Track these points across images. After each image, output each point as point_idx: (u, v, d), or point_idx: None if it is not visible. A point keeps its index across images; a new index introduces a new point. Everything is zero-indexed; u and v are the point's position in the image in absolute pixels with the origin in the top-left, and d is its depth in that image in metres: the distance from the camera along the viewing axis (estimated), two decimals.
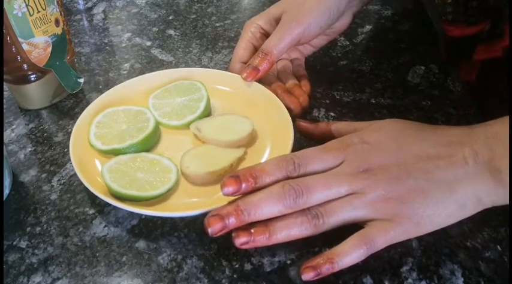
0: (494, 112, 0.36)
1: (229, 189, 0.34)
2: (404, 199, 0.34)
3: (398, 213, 0.34)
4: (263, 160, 0.43)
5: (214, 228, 0.33)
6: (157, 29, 0.68)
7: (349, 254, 0.33)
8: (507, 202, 0.33)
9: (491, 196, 0.34)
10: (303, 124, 0.45)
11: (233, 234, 0.34)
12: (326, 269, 0.33)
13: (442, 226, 0.35)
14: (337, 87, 0.54)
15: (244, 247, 0.34)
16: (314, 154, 0.37)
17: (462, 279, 0.34)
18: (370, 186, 0.34)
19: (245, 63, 0.50)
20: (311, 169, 0.36)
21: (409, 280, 0.34)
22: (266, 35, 0.51)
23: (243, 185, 0.34)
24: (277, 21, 0.50)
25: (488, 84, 0.47)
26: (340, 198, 0.35)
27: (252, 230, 0.34)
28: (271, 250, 0.36)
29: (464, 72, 0.51)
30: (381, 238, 0.34)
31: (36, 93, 0.51)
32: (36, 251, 0.37)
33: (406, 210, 0.34)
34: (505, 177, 0.33)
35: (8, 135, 0.49)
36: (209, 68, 0.58)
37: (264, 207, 0.34)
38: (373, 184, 0.34)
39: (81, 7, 0.75)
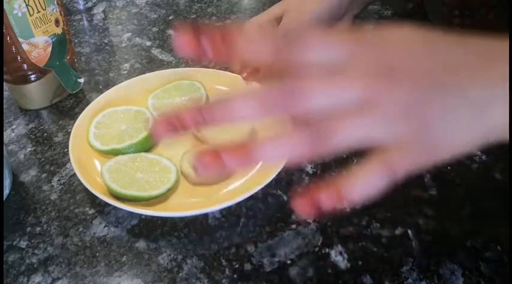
0: None
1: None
2: (431, 115, 0.25)
3: (421, 133, 0.25)
4: None
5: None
6: (157, 29, 0.68)
7: (364, 185, 0.26)
8: None
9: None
10: None
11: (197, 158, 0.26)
12: (330, 205, 0.25)
13: (462, 152, 0.26)
14: None
15: (211, 170, 0.25)
16: (313, 39, 0.26)
17: (462, 279, 0.34)
18: (390, 93, 0.25)
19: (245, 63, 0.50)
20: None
21: (409, 280, 0.34)
22: None
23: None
24: (278, 21, 0.50)
25: None
26: (347, 109, 0.25)
27: (222, 152, 0.26)
28: (271, 250, 0.36)
29: None
30: (402, 165, 0.25)
31: (36, 93, 0.51)
32: (36, 251, 0.37)
33: (431, 130, 0.25)
34: None
35: (8, 135, 0.49)
36: (209, 68, 0.58)
37: (236, 106, 0.25)
38: (395, 90, 0.25)
39: (81, 7, 0.75)
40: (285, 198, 0.41)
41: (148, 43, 0.65)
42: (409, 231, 0.37)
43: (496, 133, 0.26)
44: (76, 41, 0.66)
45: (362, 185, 0.26)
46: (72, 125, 0.45)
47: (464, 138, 0.26)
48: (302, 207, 0.25)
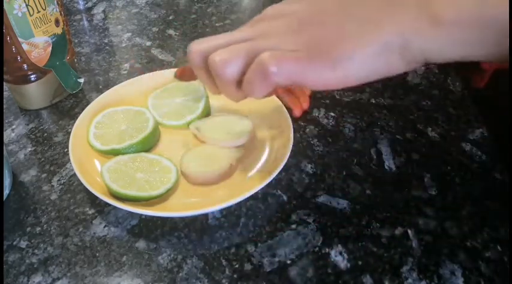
0: (496, 115, 0.35)
1: None
2: (317, 35, 0.29)
3: (308, 44, 0.29)
4: (263, 160, 0.43)
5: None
6: (157, 29, 0.68)
7: (254, 88, 0.30)
8: (436, 50, 0.27)
9: (419, 35, 0.26)
10: None
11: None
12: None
13: (367, 77, 0.29)
14: None
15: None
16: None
17: (462, 279, 0.34)
18: (273, 27, 0.31)
19: None
20: None
21: (409, 280, 0.34)
22: None
23: None
24: None
25: (496, 91, 0.47)
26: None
27: None
28: (271, 250, 0.36)
29: (476, 78, 0.50)
30: (287, 63, 0.29)
31: (36, 93, 0.51)
32: (36, 251, 0.37)
33: (319, 42, 0.28)
34: (440, 14, 0.26)
35: (8, 135, 0.49)
36: None
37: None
38: (278, 24, 0.31)
39: (81, 7, 0.75)
40: (285, 198, 0.41)
41: (148, 43, 0.65)
42: (409, 231, 0.37)
43: (397, 48, 0.27)
44: (76, 41, 0.66)
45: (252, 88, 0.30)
46: (72, 125, 0.45)
47: (360, 55, 0.27)
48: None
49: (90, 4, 0.76)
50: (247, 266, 0.35)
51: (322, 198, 0.40)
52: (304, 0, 0.32)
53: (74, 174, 0.43)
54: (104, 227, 0.39)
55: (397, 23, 0.27)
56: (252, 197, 0.39)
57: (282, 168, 0.39)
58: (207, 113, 0.48)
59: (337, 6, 0.30)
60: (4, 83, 0.52)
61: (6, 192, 0.41)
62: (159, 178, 0.40)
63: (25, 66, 0.49)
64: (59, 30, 0.50)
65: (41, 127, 0.50)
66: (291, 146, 0.41)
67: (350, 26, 0.28)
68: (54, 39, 0.50)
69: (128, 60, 0.61)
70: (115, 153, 0.43)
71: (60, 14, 0.50)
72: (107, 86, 0.55)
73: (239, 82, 0.31)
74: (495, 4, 0.25)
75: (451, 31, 0.26)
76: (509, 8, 0.24)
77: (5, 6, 0.44)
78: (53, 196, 0.42)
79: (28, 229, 0.39)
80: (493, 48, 0.26)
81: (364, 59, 0.27)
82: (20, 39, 0.47)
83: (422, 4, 0.26)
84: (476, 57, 0.27)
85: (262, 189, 0.38)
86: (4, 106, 0.53)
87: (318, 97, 0.52)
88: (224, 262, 0.36)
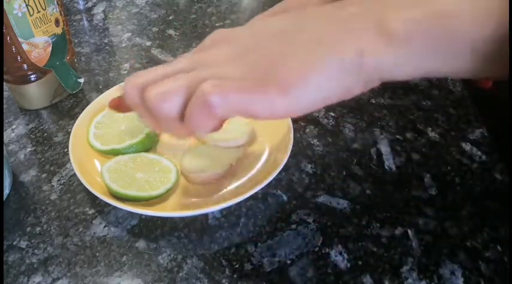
0: (496, 116, 0.35)
1: None
2: (263, 60, 0.26)
3: (253, 73, 0.26)
4: (262, 160, 0.43)
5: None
6: (157, 29, 0.68)
7: (195, 124, 0.27)
8: (394, 68, 0.25)
9: (374, 52, 0.25)
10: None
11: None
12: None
13: (323, 102, 0.26)
14: None
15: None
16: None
17: (462, 279, 0.34)
18: (213, 54, 0.28)
19: None
20: None
21: (409, 280, 0.34)
22: None
23: None
24: None
25: (496, 91, 0.46)
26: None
27: None
28: (271, 250, 0.36)
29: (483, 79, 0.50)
30: (234, 90, 0.26)
31: (36, 93, 0.51)
32: (36, 251, 0.37)
33: (266, 70, 0.26)
34: (395, 30, 0.24)
35: (8, 135, 0.49)
36: None
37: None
38: (219, 52, 0.28)
39: (81, 7, 0.75)
40: (285, 198, 0.41)
41: (148, 43, 0.65)
42: (409, 231, 0.37)
43: (353, 65, 0.25)
44: (76, 41, 0.66)
45: (193, 123, 0.27)
46: (72, 125, 0.45)
47: (314, 77, 0.25)
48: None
49: (90, 4, 0.76)
50: (247, 266, 0.35)
51: (322, 198, 0.40)
52: (249, 25, 0.30)
53: (74, 174, 0.43)
54: (104, 227, 0.39)
55: (352, 41, 0.25)
56: (252, 197, 0.39)
57: (282, 168, 0.39)
58: None
59: (284, 28, 0.28)
60: (4, 83, 0.52)
61: (6, 192, 0.41)
62: (159, 178, 0.40)
63: (25, 66, 0.49)
64: (59, 30, 0.50)
65: (41, 127, 0.50)
66: (291, 146, 0.41)
67: (300, 48, 0.26)
68: (54, 39, 0.50)
69: (128, 60, 0.61)
70: (115, 153, 0.43)
71: (60, 14, 0.50)
72: (107, 86, 0.55)
73: (182, 118, 0.28)
74: (456, 19, 0.23)
75: (403, 45, 0.24)
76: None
77: (5, 6, 0.44)
78: (53, 196, 0.42)
79: (28, 229, 0.39)
80: (460, 63, 0.24)
81: (319, 81, 0.25)
82: (20, 39, 0.47)
83: (377, 20, 0.25)
84: (442, 73, 0.26)
85: (262, 189, 0.38)
86: (4, 106, 0.53)
87: None
88: (224, 262, 0.36)
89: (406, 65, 0.25)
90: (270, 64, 0.26)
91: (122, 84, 0.50)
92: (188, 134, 0.29)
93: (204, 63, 0.28)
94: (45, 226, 0.39)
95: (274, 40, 0.27)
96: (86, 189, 0.38)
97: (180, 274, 0.35)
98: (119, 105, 0.34)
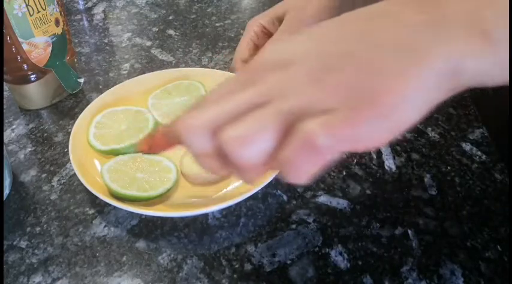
0: (495, 114, 0.35)
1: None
2: (348, 81, 0.22)
3: (348, 98, 0.22)
4: None
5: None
6: (157, 29, 0.68)
7: (292, 171, 0.23)
8: (493, 73, 0.23)
9: (471, 57, 0.22)
10: None
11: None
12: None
13: (420, 113, 0.22)
14: None
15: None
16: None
17: (462, 279, 0.34)
18: (283, 80, 0.24)
19: (247, 62, 0.50)
20: None
21: (409, 280, 0.34)
22: (268, 34, 0.51)
23: None
24: (280, 21, 0.50)
25: (496, 91, 0.46)
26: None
27: None
28: (271, 250, 0.36)
29: None
30: (342, 127, 0.22)
31: (36, 93, 0.51)
32: (36, 251, 0.37)
33: (359, 94, 0.22)
34: (494, 31, 0.21)
35: (8, 135, 0.49)
36: (209, 68, 0.58)
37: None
38: (288, 75, 0.23)
39: (81, 7, 0.75)
40: (285, 198, 0.41)
41: (149, 43, 0.65)
42: (409, 231, 0.37)
43: (449, 76, 0.22)
44: (76, 41, 0.66)
45: (291, 171, 0.23)
46: (72, 125, 0.45)
47: (411, 92, 0.22)
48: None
49: (90, 4, 0.76)
50: (247, 266, 0.35)
51: (322, 198, 0.40)
52: (307, 36, 0.25)
53: (74, 174, 0.43)
54: (104, 227, 0.39)
55: (444, 45, 0.22)
56: (252, 197, 0.39)
57: None
58: None
59: (354, 36, 0.24)
60: (4, 83, 0.52)
61: (6, 192, 0.41)
62: (159, 178, 0.40)
63: (25, 66, 0.49)
64: (59, 30, 0.50)
65: (41, 127, 0.50)
66: None
67: (385, 61, 0.22)
68: (54, 39, 0.50)
69: (128, 60, 0.61)
70: (115, 153, 0.43)
71: (60, 14, 0.50)
72: (107, 86, 0.55)
73: (268, 162, 0.23)
74: None
75: (505, 49, 0.21)
76: None
77: (5, 6, 0.44)
78: (53, 196, 0.42)
79: (28, 229, 0.39)
80: None
81: (418, 96, 0.22)
82: (20, 39, 0.47)
83: (471, 21, 0.22)
84: None
85: (262, 189, 0.38)
86: (4, 106, 0.53)
87: None
88: (224, 262, 0.36)
89: (506, 71, 0.22)
90: (359, 86, 0.22)
91: (122, 84, 0.51)
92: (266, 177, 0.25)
93: (279, 91, 0.23)
94: (45, 226, 0.39)
95: (347, 54, 0.23)
96: (86, 189, 0.38)
97: (180, 274, 0.35)
98: (153, 147, 0.29)
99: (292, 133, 0.22)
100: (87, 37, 0.67)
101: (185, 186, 0.41)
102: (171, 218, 0.39)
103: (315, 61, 0.23)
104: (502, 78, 0.22)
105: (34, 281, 0.35)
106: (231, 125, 0.23)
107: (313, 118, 0.22)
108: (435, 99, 0.22)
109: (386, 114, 0.21)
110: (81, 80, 0.55)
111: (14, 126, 0.50)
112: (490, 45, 0.21)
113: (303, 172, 0.23)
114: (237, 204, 0.39)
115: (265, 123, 0.22)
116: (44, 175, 0.44)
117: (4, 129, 0.50)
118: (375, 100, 0.21)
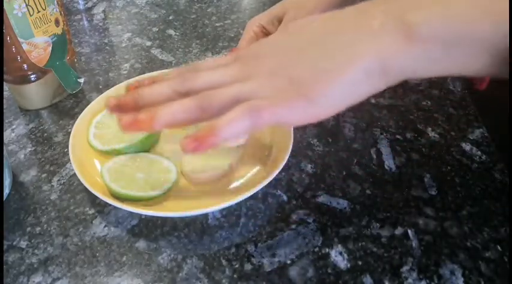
0: (494, 113, 0.35)
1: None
2: (293, 73, 0.30)
3: (286, 88, 0.29)
4: (262, 160, 0.43)
5: (122, 120, 0.33)
6: (157, 29, 0.68)
7: (232, 125, 0.29)
8: (416, 69, 0.28)
9: (397, 56, 0.27)
10: None
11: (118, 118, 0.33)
12: (208, 140, 0.30)
13: (346, 104, 0.29)
14: None
15: (129, 128, 0.32)
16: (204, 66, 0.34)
17: (462, 279, 0.34)
18: (255, 67, 0.32)
19: None
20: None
21: (409, 280, 0.34)
22: (268, 34, 0.51)
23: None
24: (280, 20, 0.50)
25: (496, 91, 0.46)
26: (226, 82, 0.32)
27: (138, 114, 0.32)
28: (271, 250, 0.36)
29: (476, 80, 0.50)
30: (267, 111, 0.29)
31: (36, 93, 0.51)
32: (36, 251, 0.37)
33: (296, 84, 0.29)
34: (416, 31, 0.26)
35: (8, 135, 0.49)
36: None
37: (154, 90, 0.33)
38: (259, 64, 0.32)
39: (81, 7, 0.75)
40: (285, 198, 0.41)
41: (149, 43, 0.65)
42: (409, 231, 0.37)
43: (376, 72, 0.28)
44: (76, 41, 0.66)
45: (228, 125, 0.29)
46: (72, 125, 0.45)
47: (338, 85, 0.28)
48: (187, 144, 0.31)
49: (90, 4, 0.76)
50: (247, 266, 0.35)
51: (322, 198, 0.40)
52: (284, 33, 0.34)
53: (74, 174, 0.43)
54: (104, 227, 0.39)
55: (374, 47, 0.27)
56: (252, 197, 0.39)
57: (282, 168, 0.39)
58: None
59: (316, 35, 0.30)
60: (4, 83, 0.52)
61: (6, 192, 0.41)
62: (159, 178, 0.40)
63: (25, 66, 0.49)
64: (59, 30, 0.50)
65: (41, 127, 0.50)
66: (291, 146, 0.41)
67: (327, 59, 0.29)
68: (54, 39, 0.50)
69: (128, 60, 0.61)
70: (115, 153, 0.43)
71: (60, 14, 0.50)
72: (107, 86, 0.55)
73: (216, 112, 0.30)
74: (476, 20, 0.25)
75: (427, 48, 0.26)
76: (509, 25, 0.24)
77: (5, 6, 0.44)
78: (53, 196, 0.42)
79: (28, 229, 0.39)
80: (481, 65, 0.26)
81: (343, 89, 0.28)
82: (20, 39, 0.47)
83: (397, 22, 0.27)
84: (468, 73, 0.27)
85: (262, 189, 0.38)
86: (4, 106, 0.53)
87: None
88: (224, 262, 0.36)
89: (429, 67, 0.27)
90: (300, 79, 0.29)
91: (122, 84, 0.51)
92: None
93: (247, 76, 0.31)
94: (45, 226, 0.39)
95: (302, 55, 0.30)
96: (86, 189, 0.38)
97: (180, 274, 0.35)
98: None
99: (249, 101, 0.29)
100: (87, 37, 0.67)
101: (185, 186, 0.41)
102: (171, 218, 0.39)
103: (280, 56, 0.31)
104: (436, 72, 0.28)
105: (34, 281, 0.35)
106: (208, 71, 0.33)
107: (264, 99, 0.29)
108: (367, 92, 0.29)
109: (312, 101, 0.28)
110: (81, 80, 0.55)
111: (14, 126, 0.50)
112: (413, 45, 0.26)
113: (238, 125, 0.29)
114: (237, 204, 0.39)
115: (228, 91, 0.30)
116: (44, 175, 0.44)
117: (4, 129, 0.50)
118: (305, 93, 0.28)
